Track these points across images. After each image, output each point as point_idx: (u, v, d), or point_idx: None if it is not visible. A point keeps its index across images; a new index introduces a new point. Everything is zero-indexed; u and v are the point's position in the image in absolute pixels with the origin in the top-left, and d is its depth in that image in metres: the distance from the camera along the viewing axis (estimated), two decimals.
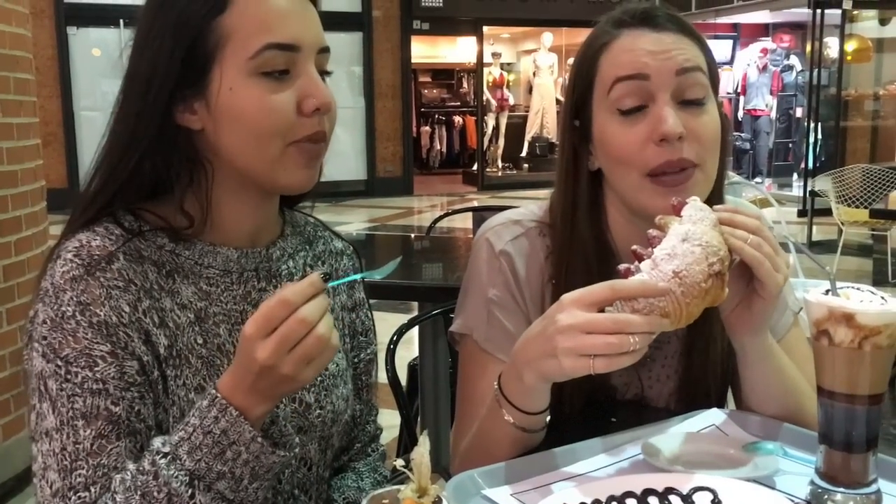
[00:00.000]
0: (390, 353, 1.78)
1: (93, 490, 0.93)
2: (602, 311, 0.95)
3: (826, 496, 0.92)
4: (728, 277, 0.99)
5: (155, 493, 0.90)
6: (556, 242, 1.26)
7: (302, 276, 1.16)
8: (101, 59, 11.17)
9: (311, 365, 0.91)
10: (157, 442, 0.93)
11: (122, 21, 10.89)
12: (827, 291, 0.93)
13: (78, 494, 0.93)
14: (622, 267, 1.00)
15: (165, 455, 0.92)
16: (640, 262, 0.99)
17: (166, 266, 1.03)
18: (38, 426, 0.96)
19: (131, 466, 0.93)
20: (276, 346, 0.88)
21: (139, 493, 0.90)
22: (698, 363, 1.28)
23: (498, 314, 1.25)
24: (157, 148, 1.01)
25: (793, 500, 0.92)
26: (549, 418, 1.09)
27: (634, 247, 1.01)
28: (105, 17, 10.90)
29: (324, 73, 1.05)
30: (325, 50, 1.05)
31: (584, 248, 1.23)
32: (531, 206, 1.35)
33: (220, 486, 0.92)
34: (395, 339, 1.84)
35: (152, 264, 1.02)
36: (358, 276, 1.03)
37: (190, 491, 0.90)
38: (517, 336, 1.05)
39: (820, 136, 10.24)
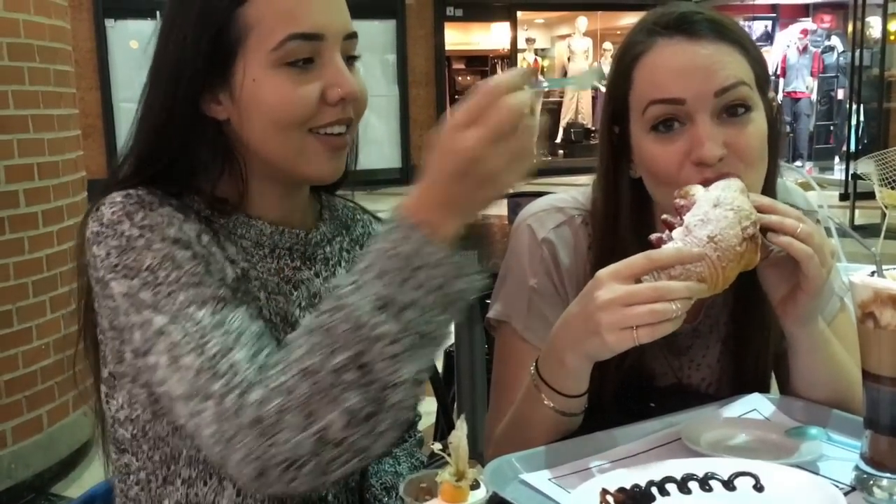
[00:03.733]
0: None
1: (235, 352, 0.87)
2: (638, 282, 0.94)
3: (871, 481, 0.91)
4: (761, 241, 0.99)
5: (339, 328, 0.83)
6: (598, 238, 1.23)
7: (337, 262, 1.16)
8: (138, 50, 11.29)
9: (518, 163, 0.83)
10: (338, 279, 0.87)
11: (158, 13, 10.96)
12: (872, 273, 0.91)
13: (224, 359, 0.87)
14: (654, 236, 1.00)
15: (350, 284, 0.84)
16: (671, 230, 0.99)
17: (210, 225, 1.01)
18: (147, 333, 0.90)
19: (306, 317, 0.88)
20: (485, 134, 0.80)
21: (319, 332, 0.84)
22: (745, 355, 1.26)
23: (538, 303, 1.23)
24: (189, 139, 1.01)
25: (837, 486, 0.90)
26: (587, 404, 1.08)
27: (664, 216, 1.01)
28: (142, 9, 11.00)
29: (351, 59, 1.04)
30: (351, 36, 1.03)
31: (626, 247, 1.17)
32: (573, 192, 1.31)
33: (409, 315, 0.83)
34: None
35: (198, 220, 0.99)
36: (547, 86, 0.93)
37: (376, 319, 0.82)
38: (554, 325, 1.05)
39: (862, 118, 10.05)
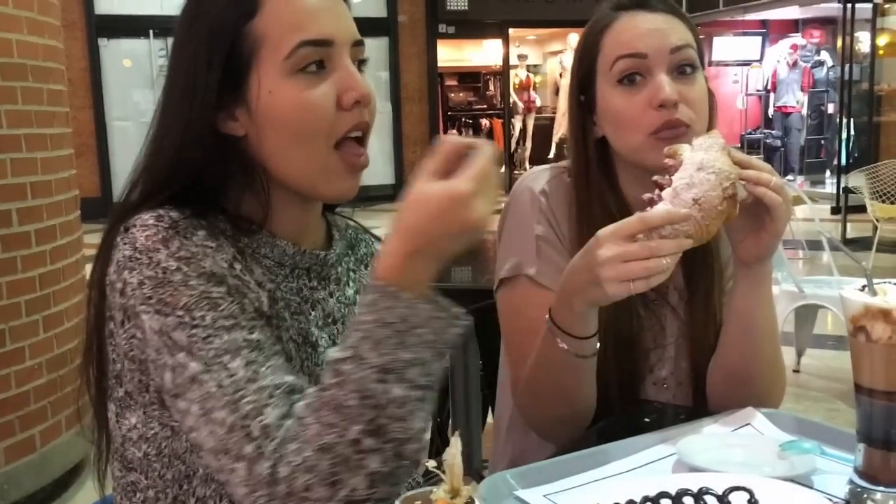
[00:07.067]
0: None
1: (268, 412, 0.88)
2: (634, 240, 1.05)
3: (865, 495, 0.91)
4: (739, 196, 1.09)
5: (348, 402, 0.84)
6: (576, 192, 1.37)
7: (346, 282, 1.16)
8: (131, 69, 11.33)
9: (484, 206, 0.87)
10: (331, 353, 0.88)
11: (151, 32, 11.05)
12: (863, 288, 0.92)
13: (257, 419, 0.87)
14: (646, 196, 1.10)
15: (348, 360, 0.86)
16: (661, 190, 1.09)
17: (236, 244, 1.00)
18: (180, 378, 0.90)
19: (311, 390, 0.89)
20: (463, 182, 0.85)
21: (328, 408, 0.85)
22: (701, 346, 1.36)
23: (546, 249, 1.35)
24: (208, 158, 1.00)
25: (831, 500, 0.90)
26: (598, 344, 1.19)
27: (655, 177, 1.11)
28: (135, 29, 11.06)
29: (361, 64, 1.06)
30: (359, 43, 1.05)
31: (602, 200, 1.36)
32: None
33: (410, 374, 0.85)
34: None
35: (226, 239, 0.99)
36: None
37: (382, 387, 0.84)
38: (562, 269, 1.16)
39: (853, 132, 10.12)
